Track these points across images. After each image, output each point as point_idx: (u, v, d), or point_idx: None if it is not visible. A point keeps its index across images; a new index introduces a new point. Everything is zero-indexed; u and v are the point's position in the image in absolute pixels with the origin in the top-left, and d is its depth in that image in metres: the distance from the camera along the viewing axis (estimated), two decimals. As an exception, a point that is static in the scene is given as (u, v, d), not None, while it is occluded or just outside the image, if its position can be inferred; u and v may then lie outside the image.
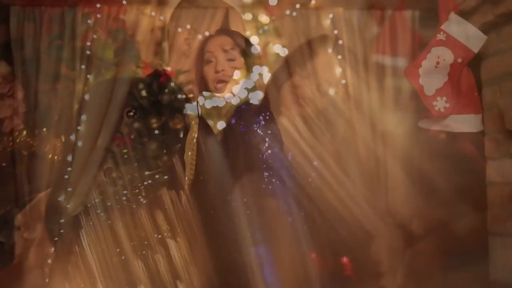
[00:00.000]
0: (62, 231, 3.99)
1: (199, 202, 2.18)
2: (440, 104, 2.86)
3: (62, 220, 3.97)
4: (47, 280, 3.93)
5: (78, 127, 4.02)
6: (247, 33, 4.16)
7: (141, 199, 3.59)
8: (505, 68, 2.71)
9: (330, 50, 4.21)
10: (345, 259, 2.53)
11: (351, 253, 3.28)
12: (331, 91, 4.20)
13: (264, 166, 2.15)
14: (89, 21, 4.08)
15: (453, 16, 2.88)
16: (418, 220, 4.11)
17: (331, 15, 4.23)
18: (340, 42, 4.23)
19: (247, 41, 2.27)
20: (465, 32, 2.84)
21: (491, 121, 2.84)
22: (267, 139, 2.17)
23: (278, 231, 2.21)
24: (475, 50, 2.83)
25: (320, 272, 2.39)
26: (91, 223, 3.66)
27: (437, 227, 3.78)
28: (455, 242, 3.07)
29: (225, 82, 2.21)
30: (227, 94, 2.22)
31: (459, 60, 2.84)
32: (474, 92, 2.89)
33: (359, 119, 4.18)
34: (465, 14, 2.91)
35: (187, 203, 2.35)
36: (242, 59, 2.22)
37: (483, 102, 2.90)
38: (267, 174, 2.18)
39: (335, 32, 4.23)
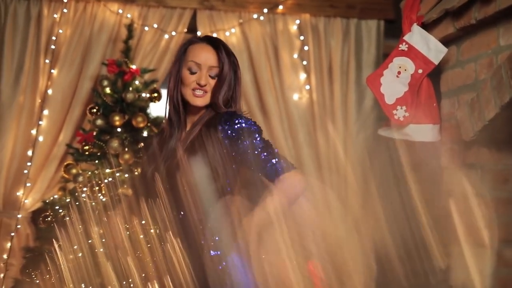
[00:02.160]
0: (19, 226, 3.96)
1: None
2: (400, 113, 2.90)
3: (19, 216, 3.95)
4: (1, 275, 3.89)
5: (40, 122, 4.01)
6: (214, 35, 4.18)
7: (101, 197, 3.57)
8: (463, 80, 2.77)
9: (295, 56, 4.26)
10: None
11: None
12: (295, 96, 4.25)
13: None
14: (55, 16, 4.05)
15: (415, 27, 2.93)
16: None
17: (298, 21, 4.28)
18: (306, 48, 4.28)
19: (231, 56, 2.26)
20: (427, 44, 2.89)
21: (448, 131, 2.90)
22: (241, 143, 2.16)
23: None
24: (436, 62, 2.88)
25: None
26: (48, 219, 3.63)
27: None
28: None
29: (205, 93, 2.21)
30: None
31: (420, 71, 2.89)
32: (433, 103, 2.94)
33: (322, 125, 4.23)
34: (427, 26, 2.96)
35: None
36: (219, 78, 2.23)
37: (441, 113, 2.96)
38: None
39: (301, 38, 4.28)
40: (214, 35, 4.18)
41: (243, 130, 2.13)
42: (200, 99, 2.23)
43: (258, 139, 2.14)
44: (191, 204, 2.13)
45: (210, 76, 2.24)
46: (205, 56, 2.24)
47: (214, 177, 2.15)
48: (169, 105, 2.31)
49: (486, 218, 2.61)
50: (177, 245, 2.12)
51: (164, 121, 2.44)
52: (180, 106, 2.29)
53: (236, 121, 2.15)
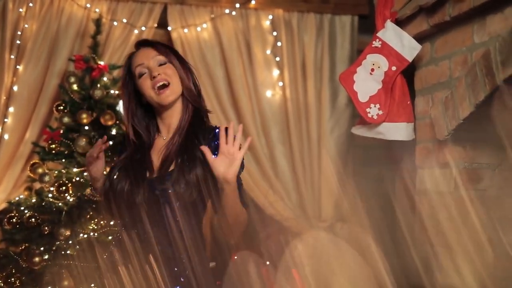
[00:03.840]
0: (-15, 227, 3.85)
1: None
2: (373, 111, 2.85)
3: (-16, 216, 3.84)
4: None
5: (5, 120, 3.89)
6: (185, 30, 4.10)
7: (68, 197, 3.47)
8: (438, 78, 2.73)
9: (268, 52, 4.19)
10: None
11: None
12: (268, 93, 4.18)
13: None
14: (20, 10, 3.93)
15: (389, 24, 2.88)
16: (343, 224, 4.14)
17: (270, 17, 4.21)
18: (279, 44, 4.21)
19: (170, 49, 2.21)
20: (400, 41, 2.84)
21: (422, 130, 2.86)
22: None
23: None
24: (410, 59, 2.83)
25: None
26: (13, 220, 3.52)
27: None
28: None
29: (166, 85, 2.13)
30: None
31: (394, 68, 2.84)
32: (407, 101, 2.89)
33: (295, 122, 4.17)
34: (401, 23, 2.92)
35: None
36: (170, 65, 2.15)
37: (415, 111, 2.91)
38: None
39: (274, 33, 4.21)
40: (185, 30, 4.10)
41: None
42: (167, 94, 2.15)
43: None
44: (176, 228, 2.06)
45: (160, 64, 2.18)
46: (145, 53, 2.19)
47: (202, 194, 2.09)
48: (131, 128, 2.24)
49: (459, 217, 2.58)
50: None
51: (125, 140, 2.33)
52: (139, 122, 2.23)
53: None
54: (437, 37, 2.79)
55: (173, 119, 2.22)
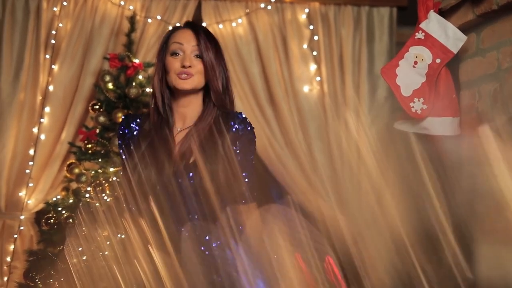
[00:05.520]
0: (22, 228, 3.84)
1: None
2: (417, 105, 2.74)
3: (22, 217, 3.83)
4: (5, 278, 3.78)
5: (41, 120, 3.88)
6: (220, 26, 4.04)
7: (105, 197, 3.44)
8: (484, 70, 2.62)
9: (305, 46, 4.11)
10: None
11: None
12: (306, 88, 4.10)
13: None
14: (54, 9, 3.91)
15: (432, 14, 2.77)
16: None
17: (306, 10, 4.12)
18: (316, 38, 4.12)
19: (212, 45, 2.15)
20: (445, 32, 2.73)
21: (468, 125, 2.75)
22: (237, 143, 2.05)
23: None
24: (455, 50, 2.72)
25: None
26: (51, 221, 3.51)
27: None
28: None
29: (191, 76, 2.07)
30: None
31: (438, 61, 2.73)
32: (452, 94, 2.78)
33: (333, 117, 4.09)
34: (445, 13, 2.81)
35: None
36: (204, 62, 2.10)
37: (461, 105, 2.80)
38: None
39: (311, 27, 4.12)
40: (220, 26, 4.05)
41: (244, 140, 2.06)
42: (187, 82, 2.09)
43: (251, 157, 2.08)
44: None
45: (195, 56, 2.12)
46: (187, 36, 2.13)
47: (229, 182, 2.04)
48: (156, 95, 2.17)
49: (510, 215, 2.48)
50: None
51: (147, 110, 2.28)
52: (166, 98, 2.16)
53: (249, 128, 2.06)
54: (483, 27, 2.67)
55: (188, 110, 2.15)
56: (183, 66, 2.08)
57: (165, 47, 2.17)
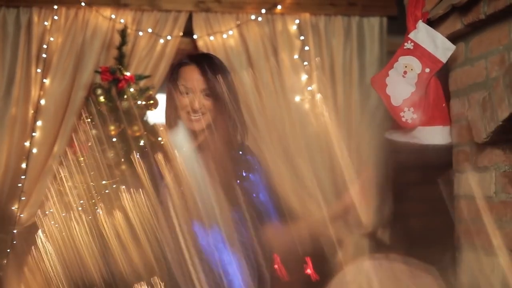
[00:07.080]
0: (15, 242, 3.84)
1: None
2: (408, 115, 2.77)
3: (15, 231, 3.83)
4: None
5: (33, 134, 3.88)
6: (211, 38, 4.05)
7: (98, 210, 3.44)
8: (474, 78, 2.64)
9: (296, 57, 4.12)
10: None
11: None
12: (297, 98, 4.11)
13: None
14: (45, 23, 3.92)
15: (421, 24, 2.80)
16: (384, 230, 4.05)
17: (297, 21, 4.14)
18: (307, 48, 4.14)
19: (224, 74, 2.16)
20: (433, 42, 2.75)
21: (459, 133, 2.77)
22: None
23: None
24: (443, 60, 2.74)
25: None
26: (45, 234, 3.50)
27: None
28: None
29: (202, 115, 2.10)
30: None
31: (427, 70, 2.76)
32: (442, 103, 2.80)
33: (325, 127, 4.09)
34: (433, 23, 2.83)
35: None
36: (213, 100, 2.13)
37: (451, 114, 2.82)
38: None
39: (302, 38, 4.14)
40: (211, 38, 4.05)
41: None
42: (197, 123, 2.12)
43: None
44: None
45: (204, 96, 2.13)
46: (196, 79, 2.13)
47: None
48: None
49: (498, 222, 2.49)
50: None
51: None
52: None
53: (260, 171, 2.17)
54: (471, 37, 2.69)
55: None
56: (193, 108, 2.11)
57: (173, 82, 2.19)
